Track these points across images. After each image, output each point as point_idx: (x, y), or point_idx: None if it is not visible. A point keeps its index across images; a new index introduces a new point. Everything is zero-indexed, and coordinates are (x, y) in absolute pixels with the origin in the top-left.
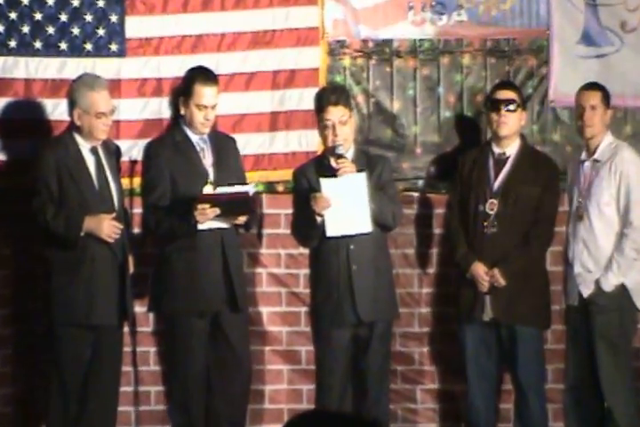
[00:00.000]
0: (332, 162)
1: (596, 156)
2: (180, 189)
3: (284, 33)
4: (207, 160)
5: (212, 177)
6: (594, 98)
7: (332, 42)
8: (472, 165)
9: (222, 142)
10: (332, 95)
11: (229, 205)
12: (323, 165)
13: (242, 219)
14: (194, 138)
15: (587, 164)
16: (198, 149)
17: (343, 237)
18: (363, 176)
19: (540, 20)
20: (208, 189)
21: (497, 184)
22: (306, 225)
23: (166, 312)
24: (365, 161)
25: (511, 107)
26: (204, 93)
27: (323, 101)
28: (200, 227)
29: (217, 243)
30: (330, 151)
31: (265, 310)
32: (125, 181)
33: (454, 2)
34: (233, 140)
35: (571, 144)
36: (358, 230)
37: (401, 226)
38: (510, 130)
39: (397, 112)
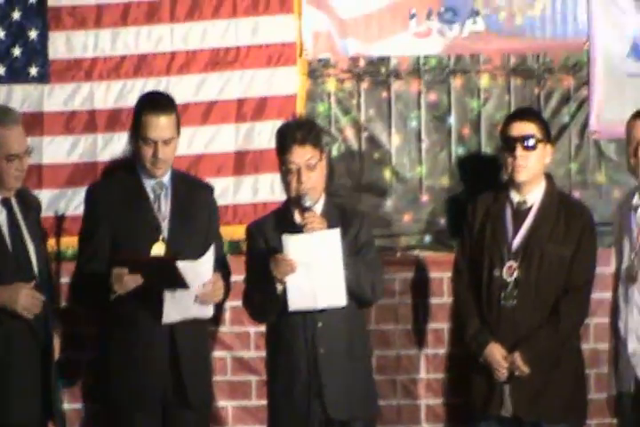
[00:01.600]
0: (297, 216)
1: None
2: (123, 247)
3: (251, 50)
4: (162, 211)
5: (165, 233)
6: None
7: (313, 60)
8: (485, 216)
9: (190, 190)
10: (297, 132)
11: (154, 273)
12: (284, 219)
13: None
14: (148, 183)
15: None
16: (152, 196)
17: (309, 311)
18: (335, 234)
19: (579, 28)
20: (157, 250)
21: (517, 242)
22: (262, 295)
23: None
24: (339, 216)
25: (530, 143)
26: (150, 124)
27: (286, 140)
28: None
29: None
30: (294, 203)
31: (230, 405)
32: (50, 242)
33: (468, 7)
34: (208, 189)
35: (619, 187)
36: (329, 304)
37: (403, 294)
38: (530, 174)
39: (397, 149)
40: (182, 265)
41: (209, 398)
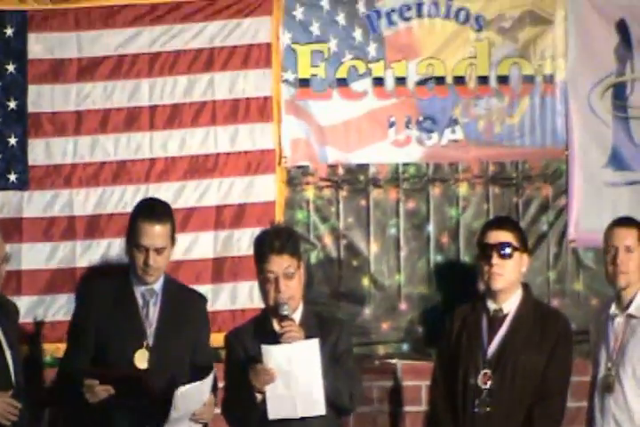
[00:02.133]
0: (275, 325)
1: (630, 310)
2: (109, 351)
3: (230, 157)
4: (150, 318)
5: (150, 340)
6: (629, 237)
7: (292, 168)
8: (461, 325)
9: (182, 298)
10: (275, 240)
11: (124, 387)
12: (263, 328)
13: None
14: (138, 289)
15: (618, 320)
16: (141, 302)
17: (289, 420)
18: (314, 344)
19: (557, 137)
20: (140, 356)
21: (491, 351)
22: (241, 404)
23: None
24: (317, 324)
25: (506, 251)
26: (143, 231)
27: (264, 249)
28: None
29: None
30: (272, 311)
31: None
32: (26, 349)
33: (447, 116)
34: (201, 300)
35: (598, 296)
36: (308, 413)
37: (381, 402)
38: (506, 282)
39: (376, 256)
40: (182, 390)
41: None
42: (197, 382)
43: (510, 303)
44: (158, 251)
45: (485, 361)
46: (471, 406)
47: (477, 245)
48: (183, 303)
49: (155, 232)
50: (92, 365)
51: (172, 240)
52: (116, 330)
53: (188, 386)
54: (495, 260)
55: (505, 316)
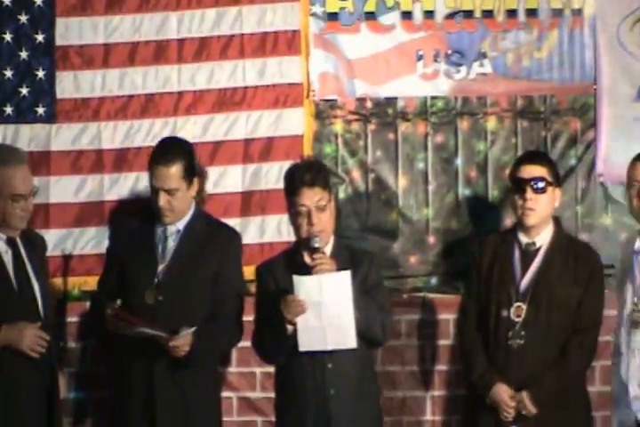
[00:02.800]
0: (307, 257)
1: None
2: (126, 288)
3: (258, 90)
4: (165, 256)
5: (160, 277)
6: None
7: (320, 101)
8: (492, 257)
9: (207, 234)
10: (306, 174)
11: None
12: (294, 260)
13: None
14: (159, 228)
15: None
16: (158, 241)
17: (319, 352)
18: (347, 276)
19: (585, 71)
20: (150, 294)
21: (525, 283)
22: (272, 336)
23: None
24: (348, 257)
25: (540, 186)
26: (154, 173)
27: (295, 182)
28: None
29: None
30: (304, 244)
31: None
32: (57, 282)
33: (475, 49)
34: (230, 234)
35: (626, 230)
36: (339, 345)
37: (409, 336)
38: (539, 217)
39: (404, 191)
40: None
41: None
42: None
43: (543, 237)
44: (169, 192)
45: (519, 294)
46: (504, 338)
47: (510, 179)
48: (208, 238)
49: (162, 174)
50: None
51: (189, 181)
52: (132, 267)
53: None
54: (529, 195)
55: (538, 249)
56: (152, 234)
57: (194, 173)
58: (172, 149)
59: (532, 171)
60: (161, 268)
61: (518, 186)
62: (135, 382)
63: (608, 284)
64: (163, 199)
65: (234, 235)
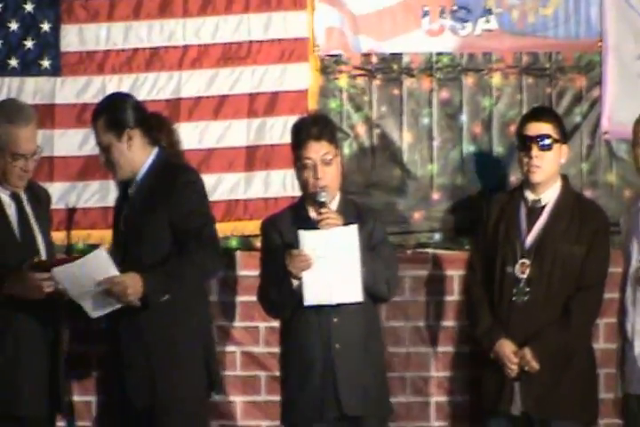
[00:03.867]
0: (312, 212)
1: None
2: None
3: (263, 45)
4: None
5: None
6: None
7: (325, 56)
8: (499, 214)
9: (162, 181)
10: (313, 127)
11: None
12: (299, 215)
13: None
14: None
15: None
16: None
17: (325, 306)
18: (353, 230)
19: (591, 28)
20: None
21: (530, 240)
22: (278, 290)
23: None
24: (354, 213)
25: (546, 143)
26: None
27: (301, 135)
28: None
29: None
30: (310, 198)
31: (239, 400)
32: (60, 236)
33: (481, 5)
34: (183, 174)
35: (631, 187)
36: (345, 299)
37: (413, 292)
38: (546, 174)
39: (408, 146)
40: (56, 269)
41: (166, 397)
42: (73, 263)
43: (549, 194)
44: (103, 149)
45: (524, 251)
46: (509, 295)
47: (516, 136)
48: (160, 183)
49: (94, 131)
50: None
51: (117, 133)
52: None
53: (63, 266)
54: (535, 152)
55: (544, 206)
56: (124, 192)
57: (121, 125)
58: (98, 104)
59: (537, 128)
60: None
61: (524, 143)
62: (108, 338)
63: (613, 242)
64: (100, 157)
65: (183, 173)
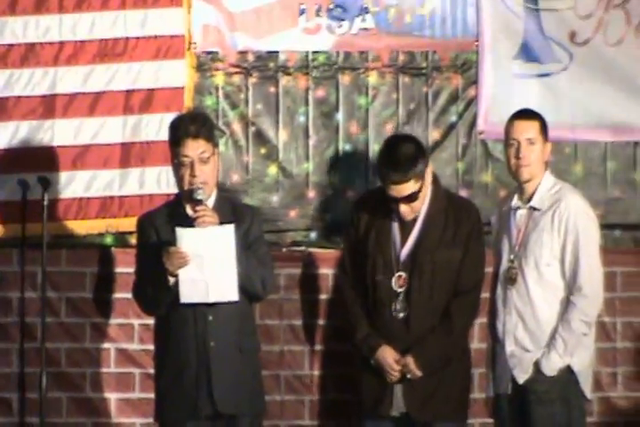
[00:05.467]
0: (189, 209)
1: (533, 202)
2: None
3: (139, 42)
4: None
5: None
6: (531, 129)
7: (202, 54)
8: (370, 218)
9: None
10: (191, 125)
11: None
12: (176, 212)
13: None
14: None
15: (520, 212)
16: None
17: (200, 304)
18: (230, 230)
19: (468, 28)
20: None
21: (405, 253)
22: (153, 287)
23: None
24: (230, 211)
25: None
26: None
27: (179, 133)
28: None
29: None
30: (186, 196)
31: (113, 397)
32: None
33: (358, 4)
34: None
35: (506, 187)
36: (220, 298)
37: (288, 290)
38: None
39: (284, 144)
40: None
41: None
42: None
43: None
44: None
45: (400, 264)
46: (387, 308)
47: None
48: None
49: None
50: None
51: None
52: None
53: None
54: (403, 208)
55: (416, 216)
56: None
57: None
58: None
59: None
60: None
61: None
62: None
63: (488, 241)
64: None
65: None
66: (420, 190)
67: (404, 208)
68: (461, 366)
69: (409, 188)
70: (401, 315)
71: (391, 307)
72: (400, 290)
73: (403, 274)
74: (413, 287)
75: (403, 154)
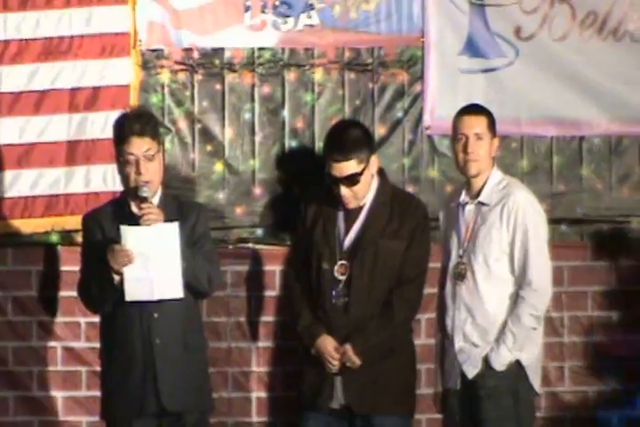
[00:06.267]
0: (134, 207)
1: (481, 198)
2: None
3: (84, 40)
4: None
5: None
6: (478, 124)
7: (147, 51)
8: (318, 211)
9: None
10: (135, 123)
11: None
12: (121, 210)
13: None
14: None
15: (469, 208)
16: None
17: (146, 302)
18: (174, 228)
19: (413, 24)
20: None
21: (348, 241)
22: (98, 285)
23: None
24: (175, 208)
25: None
26: None
27: (124, 131)
28: None
29: None
30: (132, 193)
31: (60, 395)
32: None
33: (303, 1)
34: None
35: (452, 182)
36: (165, 296)
37: (235, 287)
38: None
39: (230, 141)
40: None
41: None
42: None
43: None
44: None
45: (342, 252)
46: (329, 295)
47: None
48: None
49: None
50: None
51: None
52: None
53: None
54: (344, 190)
55: (361, 206)
56: None
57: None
58: None
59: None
60: None
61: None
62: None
63: (434, 237)
64: None
65: None
66: (361, 173)
67: (344, 191)
68: (404, 359)
69: (350, 167)
70: (341, 302)
71: (332, 293)
72: (341, 277)
73: (345, 262)
74: (354, 275)
75: (347, 134)
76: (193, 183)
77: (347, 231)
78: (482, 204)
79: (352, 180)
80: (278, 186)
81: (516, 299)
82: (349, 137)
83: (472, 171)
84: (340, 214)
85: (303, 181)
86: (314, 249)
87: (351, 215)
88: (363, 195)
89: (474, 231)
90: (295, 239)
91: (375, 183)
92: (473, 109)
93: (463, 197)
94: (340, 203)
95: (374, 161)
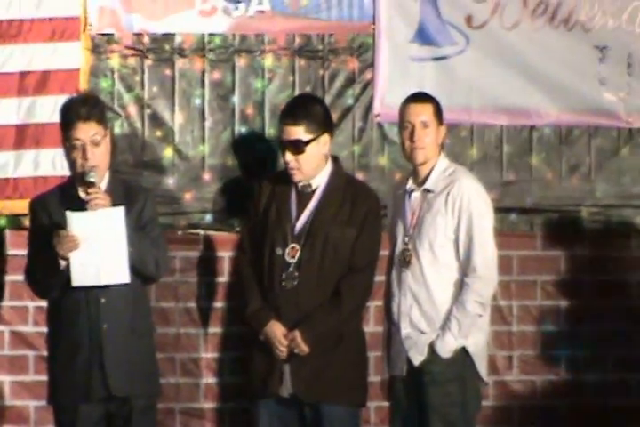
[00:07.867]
0: (81, 192)
1: (427, 185)
2: None
3: (34, 24)
4: None
5: None
6: (425, 112)
7: (97, 36)
8: (270, 196)
9: None
10: (81, 108)
11: None
12: (69, 195)
13: None
14: None
15: (415, 195)
16: None
17: (92, 287)
18: (120, 212)
19: (364, 11)
20: None
21: (300, 224)
22: (45, 270)
23: None
24: (123, 193)
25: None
26: None
27: (70, 116)
28: None
29: None
30: (78, 178)
31: (7, 380)
32: None
33: None
34: None
35: (402, 170)
36: (112, 281)
37: (184, 273)
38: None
39: (180, 127)
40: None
41: None
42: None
43: (320, 178)
44: None
45: (294, 235)
46: (278, 279)
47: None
48: None
49: None
50: None
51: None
52: None
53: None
54: (288, 157)
55: (314, 190)
56: None
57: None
58: None
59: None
60: None
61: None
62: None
63: (384, 225)
64: None
65: None
66: (307, 143)
67: (289, 157)
68: (353, 348)
69: (297, 132)
70: (290, 284)
71: (282, 277)
72: (292, 261)
73: (295, 245)
74: (304, 258)
75: (303, 103)
76: (142, 168)
77: (298, 214)
78: (428, 191)
79: (297, 146)
80: (228, 172)
81: (461, 286)
82: (304, 105)
83: (418, 159)
84: (293, 197)
85: (253, 167)
86: (267, 232)
87: (304, 198)
88: (309, 170)
89: (419, 218)
90: (247, 224)
91: (329, 167)
92: (419, 97)
93: (410, 184)
94: (293, 184)
95: (326, 140)
